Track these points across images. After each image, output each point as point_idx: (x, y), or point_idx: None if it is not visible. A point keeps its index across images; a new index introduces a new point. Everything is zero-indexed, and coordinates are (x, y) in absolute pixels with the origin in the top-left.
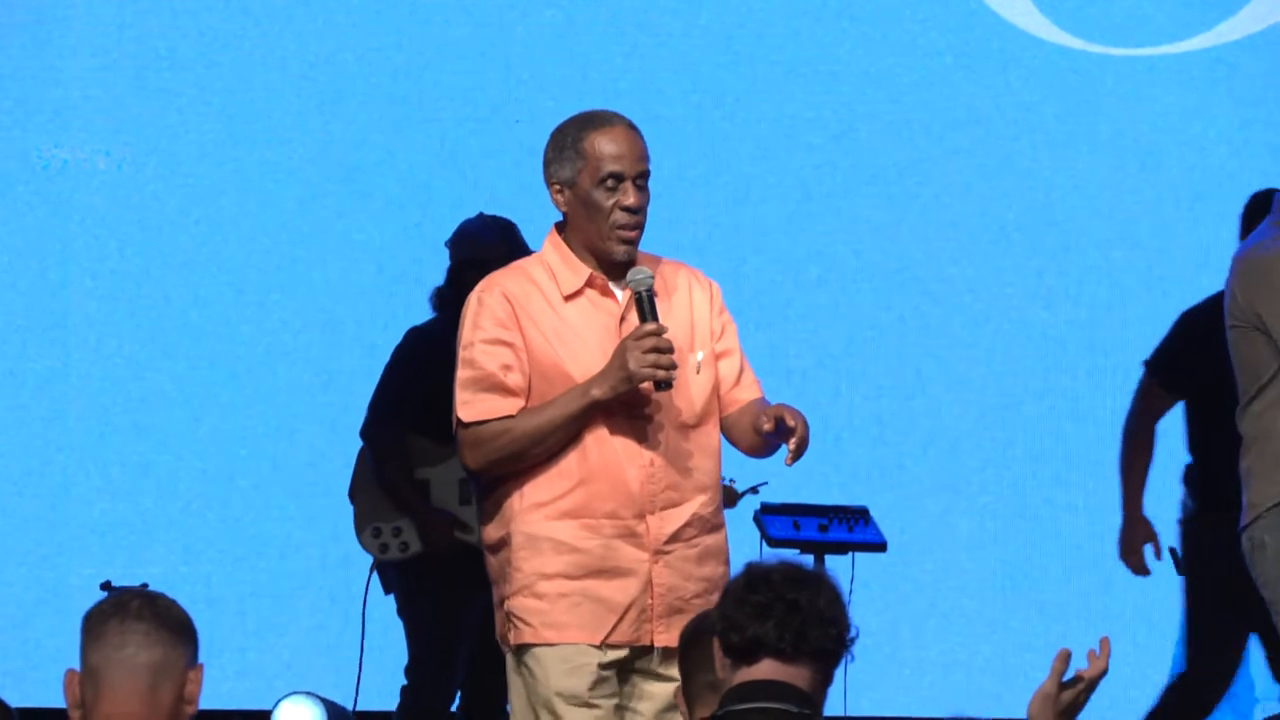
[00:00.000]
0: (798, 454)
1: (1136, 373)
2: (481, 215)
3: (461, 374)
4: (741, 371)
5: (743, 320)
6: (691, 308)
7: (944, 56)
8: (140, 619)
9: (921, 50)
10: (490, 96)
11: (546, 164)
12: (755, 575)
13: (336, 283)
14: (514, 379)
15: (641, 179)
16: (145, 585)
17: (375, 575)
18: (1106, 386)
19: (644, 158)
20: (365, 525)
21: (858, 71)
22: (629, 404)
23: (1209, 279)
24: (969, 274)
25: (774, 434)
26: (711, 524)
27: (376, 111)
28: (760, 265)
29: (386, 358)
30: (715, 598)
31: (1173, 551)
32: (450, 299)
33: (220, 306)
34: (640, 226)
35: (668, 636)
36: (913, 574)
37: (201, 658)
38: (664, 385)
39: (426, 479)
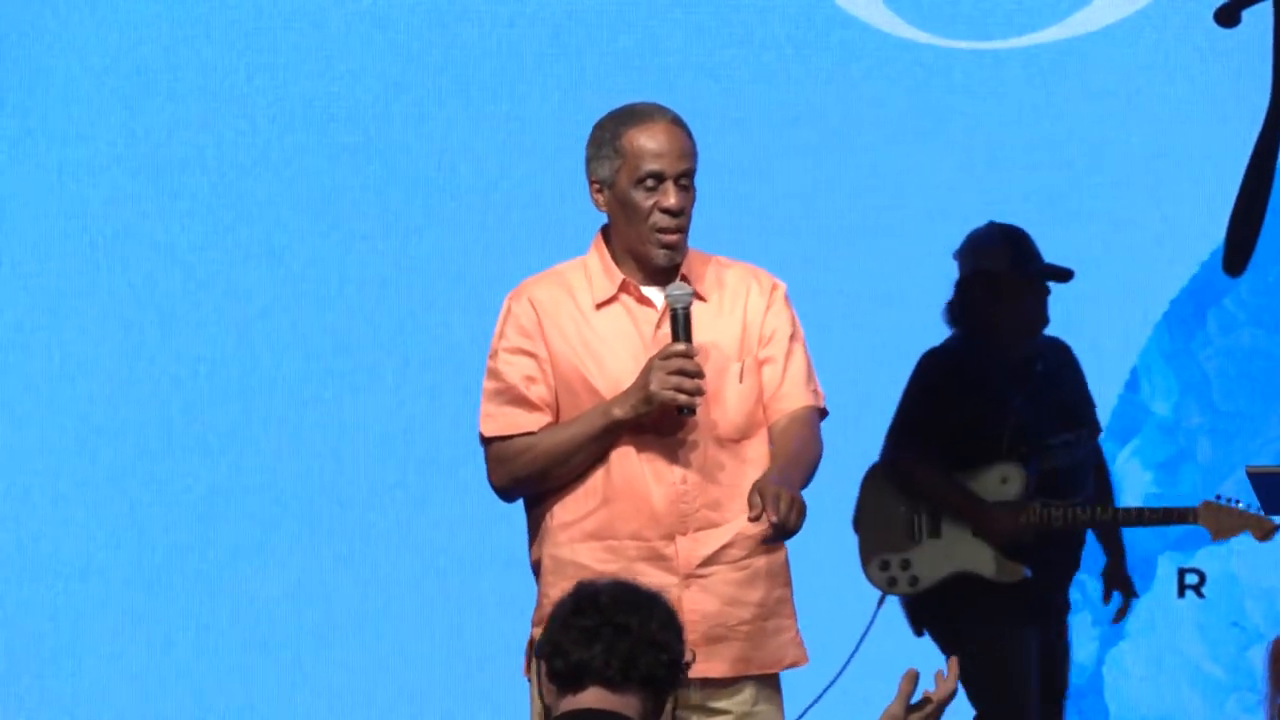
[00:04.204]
0: (774, 539)
1: None
2: (990, 224)
3: (486, 385)
4: (784, 379)
5: None
6: (745, 311)
7: (783, 49)
8: None
9: (759, 42)
10: (304, 91)
11: (586, 161)
12: (582, 597)
13: (140, 288)
14: (537, 391)
15: (685, 178)
16: None
17: (905, 614)
18: None
19: (687, 155)
20: (872, 558)
21: (690, 64)
22: (658, 419)
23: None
24: (808, 279)
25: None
26: (764, 543)
27: (185, 107)
28: None
29: (191, 366)
30: (771, 624)
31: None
32: (959, 314)
33: (13, 313)
34: (683, 229)
35: (706, 667)
36: None
37: None
38: (686, 411)
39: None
